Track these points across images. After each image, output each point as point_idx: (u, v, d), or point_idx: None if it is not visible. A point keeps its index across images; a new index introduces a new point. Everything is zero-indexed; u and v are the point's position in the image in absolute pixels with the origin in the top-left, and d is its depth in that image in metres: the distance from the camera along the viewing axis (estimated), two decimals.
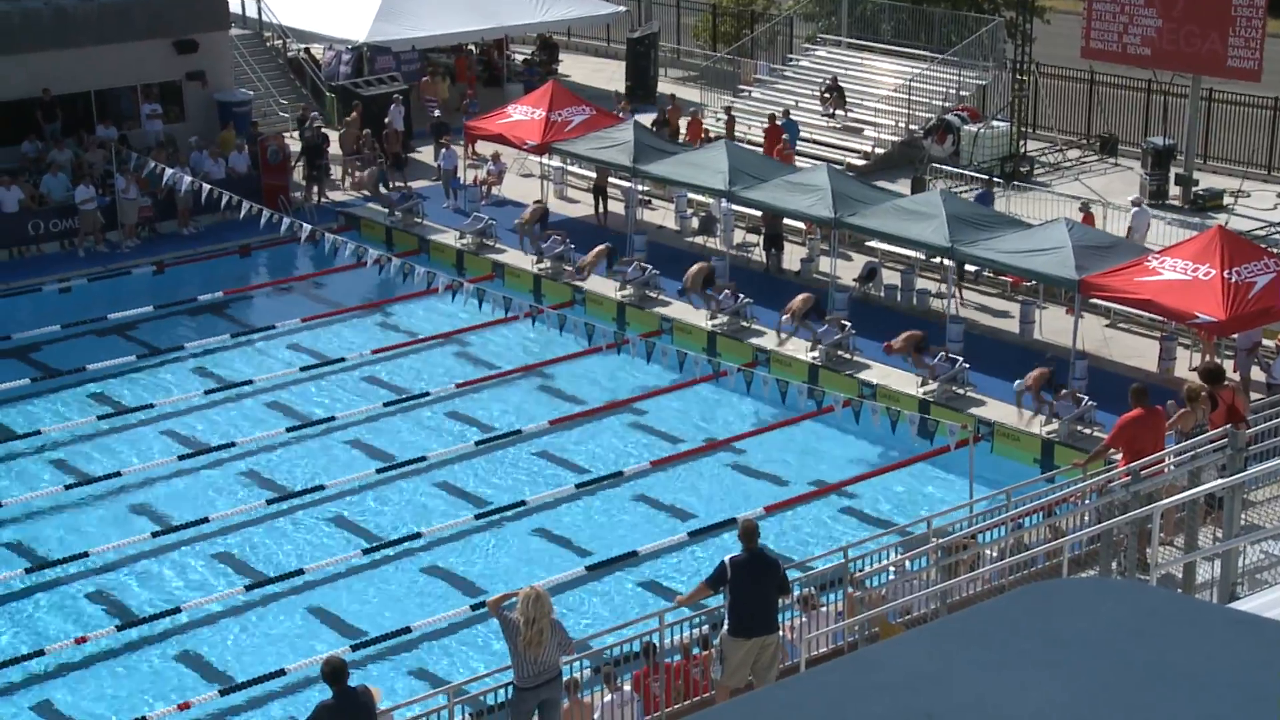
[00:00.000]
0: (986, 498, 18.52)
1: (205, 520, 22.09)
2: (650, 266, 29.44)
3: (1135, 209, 29.51)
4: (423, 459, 24.03)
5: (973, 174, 33.48)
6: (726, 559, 14.16)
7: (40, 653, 19.02)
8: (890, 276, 29.62)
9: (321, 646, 18.79)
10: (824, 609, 16.48)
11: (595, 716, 15.37)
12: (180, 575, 21.03)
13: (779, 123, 35.54)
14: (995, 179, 33.18)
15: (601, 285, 29.76)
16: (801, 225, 30.78)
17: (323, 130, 35.36)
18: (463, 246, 31.93)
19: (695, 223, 32.76)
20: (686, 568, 20.99)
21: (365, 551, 21.45)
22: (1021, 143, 35.48)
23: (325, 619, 20.09)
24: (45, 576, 20.81)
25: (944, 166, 34.08)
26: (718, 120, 37.47)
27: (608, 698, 15.37)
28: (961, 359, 25.09)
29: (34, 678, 18.74)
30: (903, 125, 36.90)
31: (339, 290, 30.62)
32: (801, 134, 36.43)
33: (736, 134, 36.28)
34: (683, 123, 37.01)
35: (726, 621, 14.25)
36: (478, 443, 24.62)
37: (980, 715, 4.62)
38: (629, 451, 24.38)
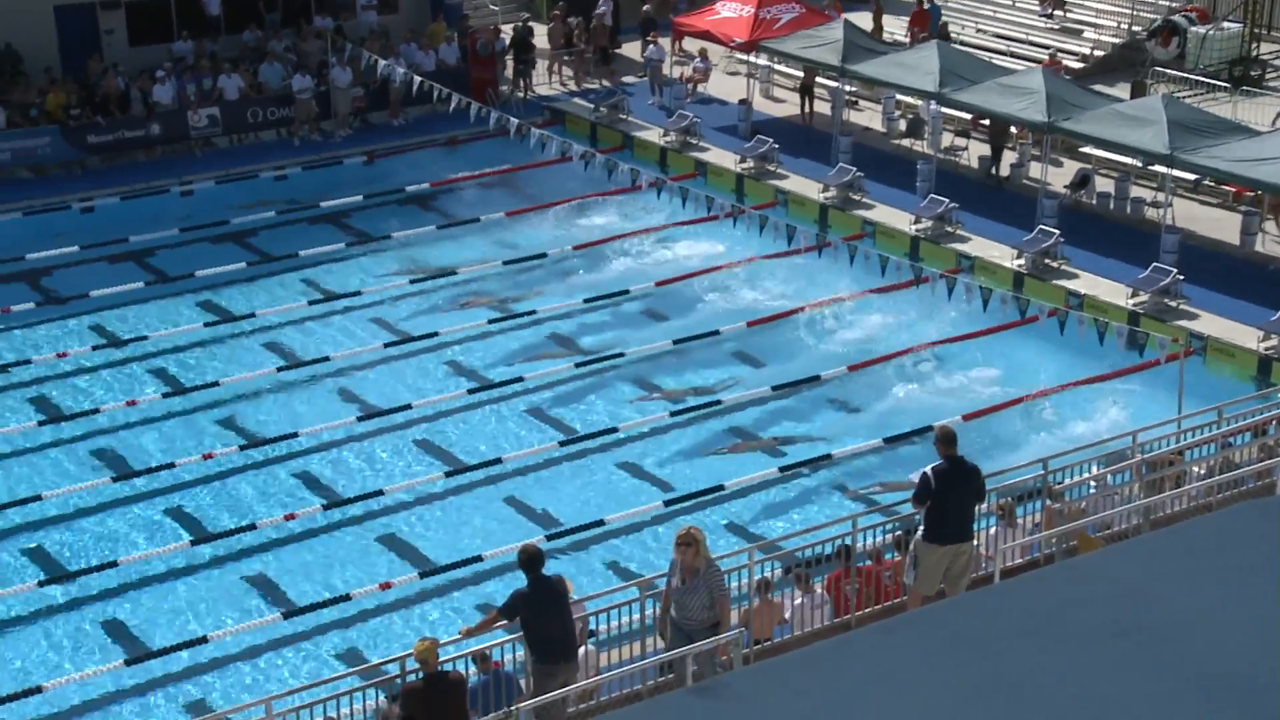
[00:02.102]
0: (1196, 414, 17.95)
1: (408, 407, 22.62)
2: (855, 169, 29.01)
3: None
4: (620, 354, 24.20)
5: (1198, 78, 32.09)
6: (929, 470, 13.90)
7: (252, 526, 19.78)
8: (1103, 184, 28.71)
9: (518, 535, 19.14)
10: (1020, 521, 16.21)
11: (785, 616, 15.42)
12: (382, 459, 21.61)
13: (925, 7, 34.72)
14: (1222, 83, 31.78)
15: (804, 186, 29.43)
16: (1013, 129, 29.95)
17: (530, 24, 35.46)
18: (666, 144, 31.85)
19: (903, 125, 32.13)
20: (880, 472, 20.83)
21: (561, 444, 21.74)
22: (1253, 45, 33.83)
23: (521, 509, 20.47)
24: (257, 455, 21.57)
25: (1167, 70, 32.72)
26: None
27: (798, 599, 15.39)
28: (1176, 270, 24.26)
29: (245, 550, 19.51)
30: (1125, 26, 35.48)
31: (543, 185, 30.83)
32: (1018, 35, 35.36)
33: (884, 28, 35.60)
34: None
35: (922, 527, 14.08)
36: (675, 341, 24.67)
37: (1193, 629, 4.47)
38: (826, 355, 24.19)
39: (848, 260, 25.21)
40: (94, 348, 24.44)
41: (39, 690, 16.77)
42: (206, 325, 25.24)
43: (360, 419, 22.40)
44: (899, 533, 15.65)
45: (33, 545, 19.53)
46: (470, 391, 23.16)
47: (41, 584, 18.64)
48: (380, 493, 20.53)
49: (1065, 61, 34.11)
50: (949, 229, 27.25)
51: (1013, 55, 34.31)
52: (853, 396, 23.05)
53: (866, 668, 4.85)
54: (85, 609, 18.43)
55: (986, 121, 30.14)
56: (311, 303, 26.04)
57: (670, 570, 13.37)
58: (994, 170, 29.76)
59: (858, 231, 27.70)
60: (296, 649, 17.74)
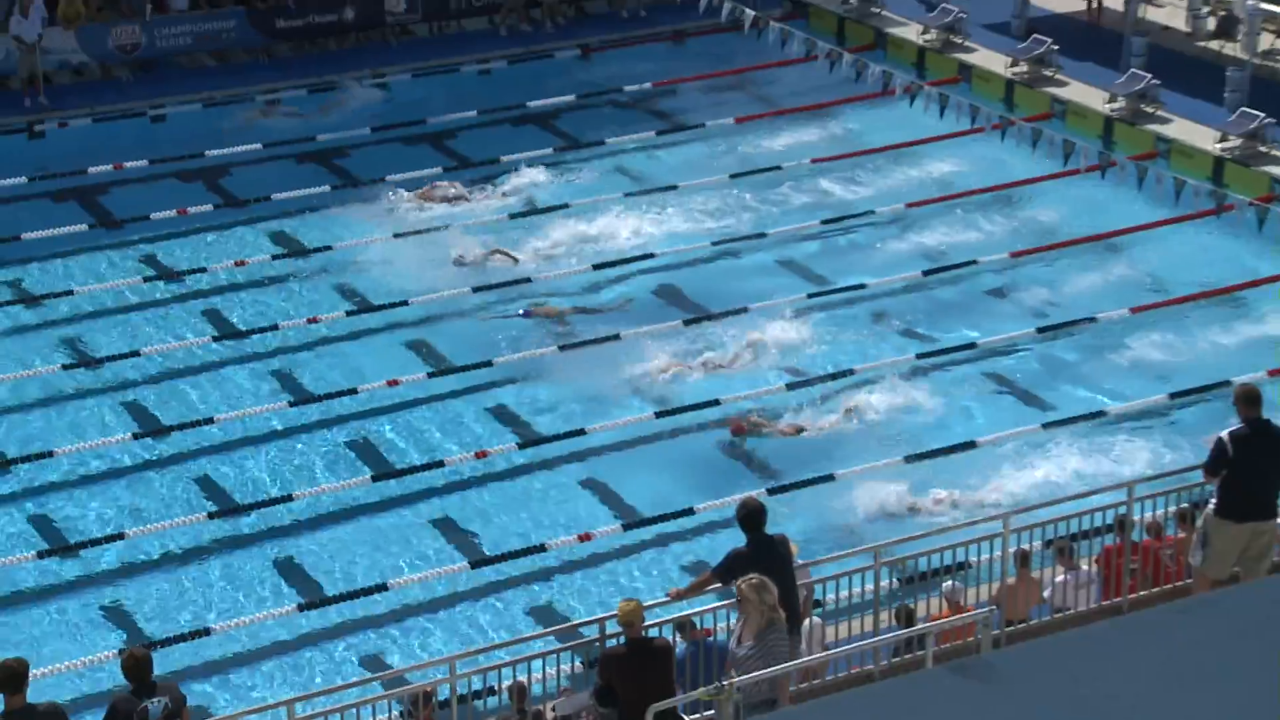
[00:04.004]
0: None
1: (616, 337, 22.72)
2: (1149, 76, 28.14)
3: None
4: (861, 286, 23.95)
5: None
6: (1225, 435, 13.43)
7: (439, 464, 20.17)
8: None
9: (735, 488, 19.07)
10: None
11: (1045, 595, 15.17)
12: (586, 396, 21.72)
13: None
14: None
15: (1087, 95, 28.68)
16: None
17: None
18: (925, 43, 31.31)
19: (1211, 23, 31.07)
20: (1162, 434, 20.29)
21: (788, 387, 21.62)
22: None
23: (740, 458, 20.46)
24: (444, 385, 21.89)
25: None
26: None
27: (1060, 576, 15.12)
28: None
29: (429, 490, 19.91)
30: None
31: (779, 88, 30.60)
32: None
33: None
34: None
35: (1215, 500, 13.65)
36: (925, 273, 24.34)
37: None
38: (1104, 294, 23.62)
39: (1136, 183, 24.55)
40: (273, 257, 25.03)
41: (207, 632, 17.42)
42: (396, 237, 25.55)
43: (563, 349, 22.57)
44: (1185, 505, 15.24)
45: (202, 474, 20.19)
46: (686, 324, 23.14)
47: (211, 516, 19.29)
48: (582, 432, 20.71)
49: None
50: (1263, 149, 26.32)
51: None
52: (1135, 343, 22.49)
53: (1152, 654, 4.68)
54: (256, 547, 19.00)
55: None
56: (512, 216, 26.21)
57: (738, 626, 12.70)
58: None
59: (1150, 150, 26.95)
60: (484, 603, 18.07)
